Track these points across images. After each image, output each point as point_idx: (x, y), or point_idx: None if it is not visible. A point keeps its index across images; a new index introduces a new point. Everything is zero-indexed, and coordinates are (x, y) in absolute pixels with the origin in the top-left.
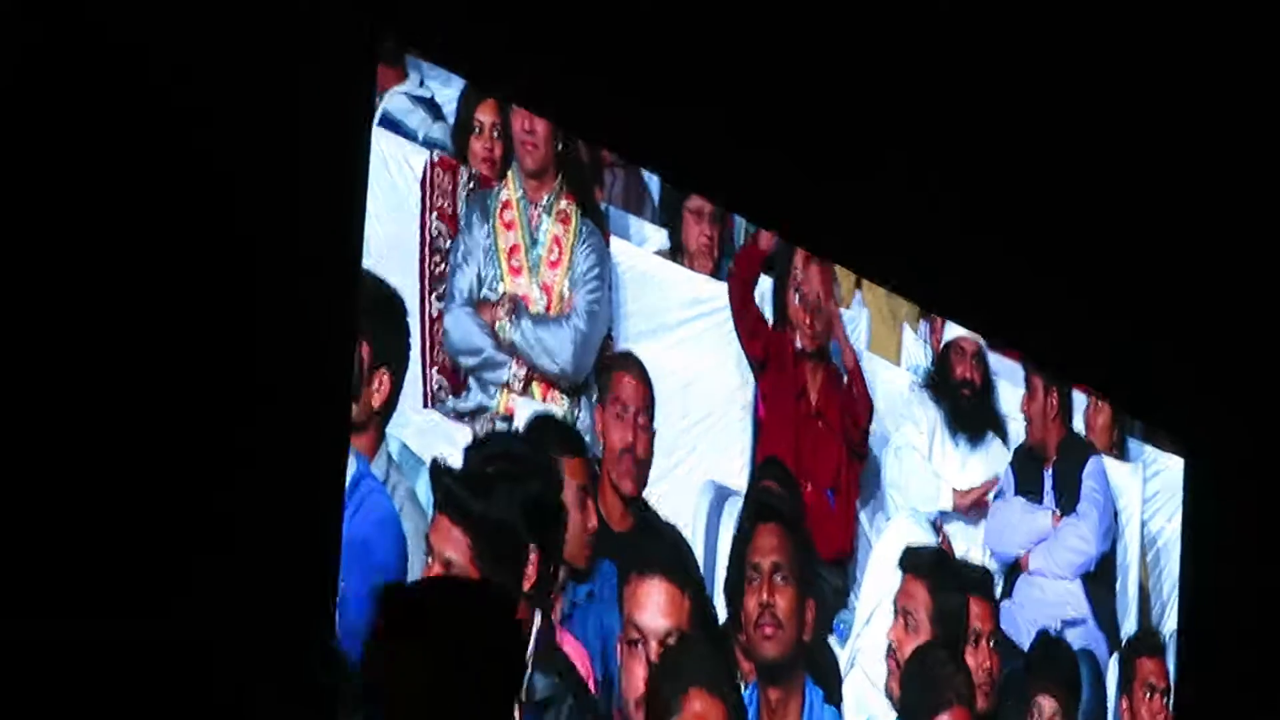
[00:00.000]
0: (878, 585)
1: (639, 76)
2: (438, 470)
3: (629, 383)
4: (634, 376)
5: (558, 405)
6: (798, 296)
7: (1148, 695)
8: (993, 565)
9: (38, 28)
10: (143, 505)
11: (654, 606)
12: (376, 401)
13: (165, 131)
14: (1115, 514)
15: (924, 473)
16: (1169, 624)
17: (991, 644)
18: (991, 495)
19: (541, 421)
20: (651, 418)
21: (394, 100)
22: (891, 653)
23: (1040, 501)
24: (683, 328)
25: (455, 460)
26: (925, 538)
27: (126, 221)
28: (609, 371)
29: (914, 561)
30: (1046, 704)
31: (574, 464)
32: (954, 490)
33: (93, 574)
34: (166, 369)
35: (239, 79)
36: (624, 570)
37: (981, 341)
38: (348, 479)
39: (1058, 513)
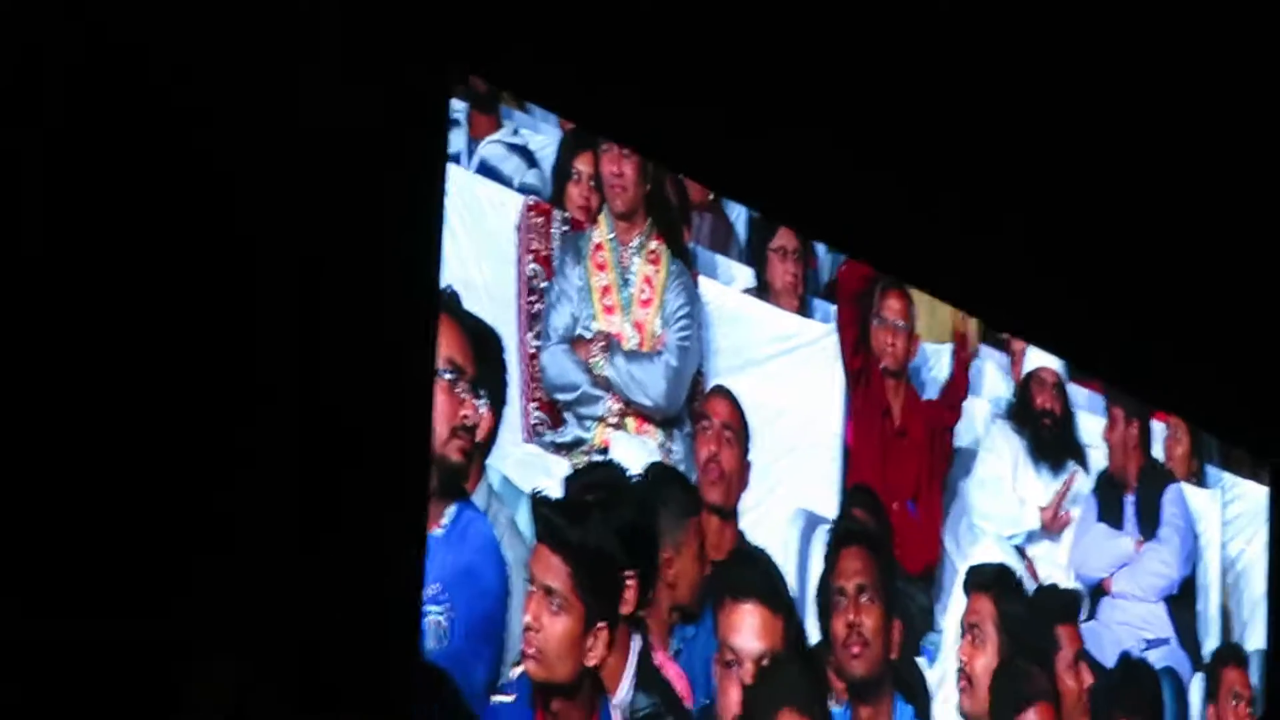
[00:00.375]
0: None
1: (725, 110)
2: (537, 501)
3: (722, 405)
4: (727, 401)
5: (651, 438)
6: (877, 321)
7: (1234, 703)
8: (1078, 587)
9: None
10: (241, 544)
11: (749, 630)
12: (479, 437)
13: (244, 175)
14: (1195, 539)
15: (1009, 498)
16: (1250, 643)
17: (1080, 664)
18: (1070, 503)
19: (660, 472)
20: (742, 438)
21: (489, 148)
22: (962, 671)
23: (1121, 528)
24: (771, 363)
25: (554, 491)
26: (1011, 563)
27: (202, 252)
28: (701, 401)
29: (977, 580)
30: None
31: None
32: (1039, 508)
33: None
34: (261, 414)
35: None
36: (719, 595)
37: (1061, 372)
38: (449, 512)
39: (1140, 539)
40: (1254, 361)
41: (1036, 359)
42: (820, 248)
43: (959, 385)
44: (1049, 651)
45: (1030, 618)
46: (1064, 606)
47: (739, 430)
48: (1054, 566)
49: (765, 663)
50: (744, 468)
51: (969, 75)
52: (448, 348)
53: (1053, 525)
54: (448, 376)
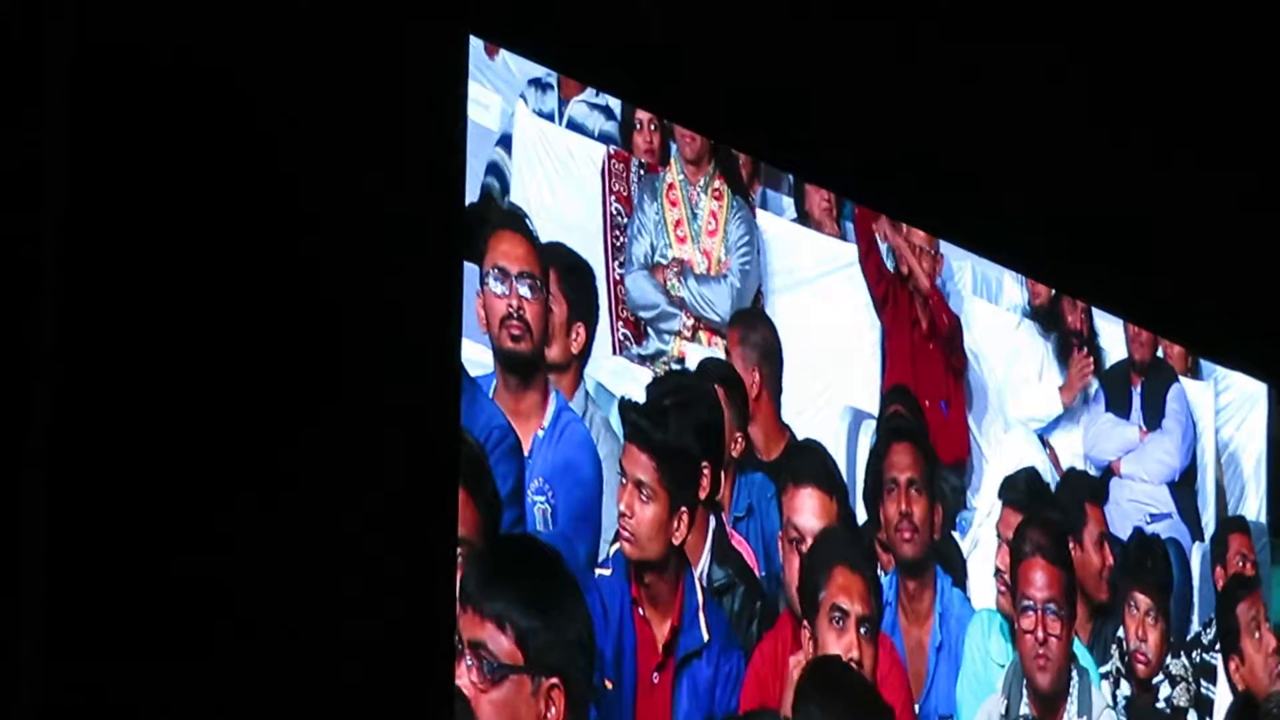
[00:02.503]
0: (992, 492)
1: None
2: (625, 406)
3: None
4: (764, 327)
5: (718, 349)
6: (908, 246)
7: (1241, 563)
8: (1091, 470)
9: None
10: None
11: (808, 510)
12: (575, 349)
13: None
14: (1195, 431)
15: (1035, 391)
16: (1244, 513)
17: (1104, 544)
18: (1090, 388)
19: (708, 362)
20: (774, 364)
21: (575, 107)
22: (999, 574)
23: (1128, 417)
24: (818, 281)
25: (639, 396)
26: (1036, 455)
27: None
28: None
29: (1010, 494)
30: (1142, 600)
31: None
32: (1058, 388)
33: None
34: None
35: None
36: (782, 481)
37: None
38: (550, 413)
39: (1144, 428)
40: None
41: None
42: None
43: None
44: (1078, 528)
45: (1062, 525)
46: (1092, 488)
47: (774, 352)
48: (1073, 455)
49: (822, 535)
50: (774, 382)
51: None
52: (500, 256)
53: (1072, 404)
54: (495, 281)
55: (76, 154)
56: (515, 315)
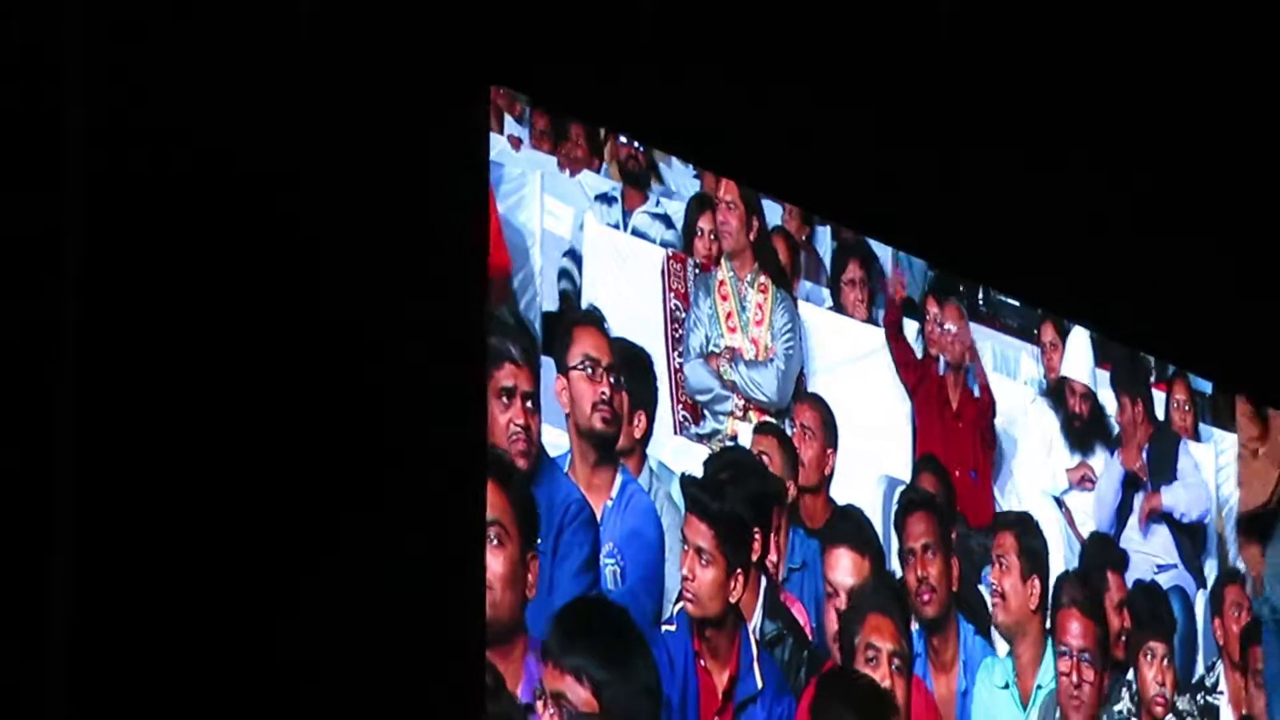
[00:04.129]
0: None
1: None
2: (685, 481)
3: (806, 410)
4: (810, 405)
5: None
6: (938, 330)
7: (1236, 613)
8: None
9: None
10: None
11: (842, 568)
12: (638, 434)
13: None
14: (1206, 491)
15: (1045, 463)
16: (1241, 565)
17: (1124, 609)
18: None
19: (764, 425)
20: (825, 433)
21: (639, 218)
22: (994, 591)
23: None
24: (855, 363)
25: (698, 471)
26: (1053, 514)
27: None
28: (796, 403)
29: (1001, 522)
30: (1159, 648)
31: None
32: (1066, 470)
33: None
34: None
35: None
36: (823, 544)
37: (1090, 382)
38: (617, 486)
39: (1151, 489)
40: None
41: (1067, 352)
42: (888, 270)
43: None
44: (1100, 590)
45: (1044, 550)
46: (1117, 556)
47: (819, 428)
48: (1088, 516)
49: (854, 589)
50: (823, 454)
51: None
52: (585, 347)
53: (1080, 483)
54: (585, 368)
55: (96, 230)
56: (605, 401)
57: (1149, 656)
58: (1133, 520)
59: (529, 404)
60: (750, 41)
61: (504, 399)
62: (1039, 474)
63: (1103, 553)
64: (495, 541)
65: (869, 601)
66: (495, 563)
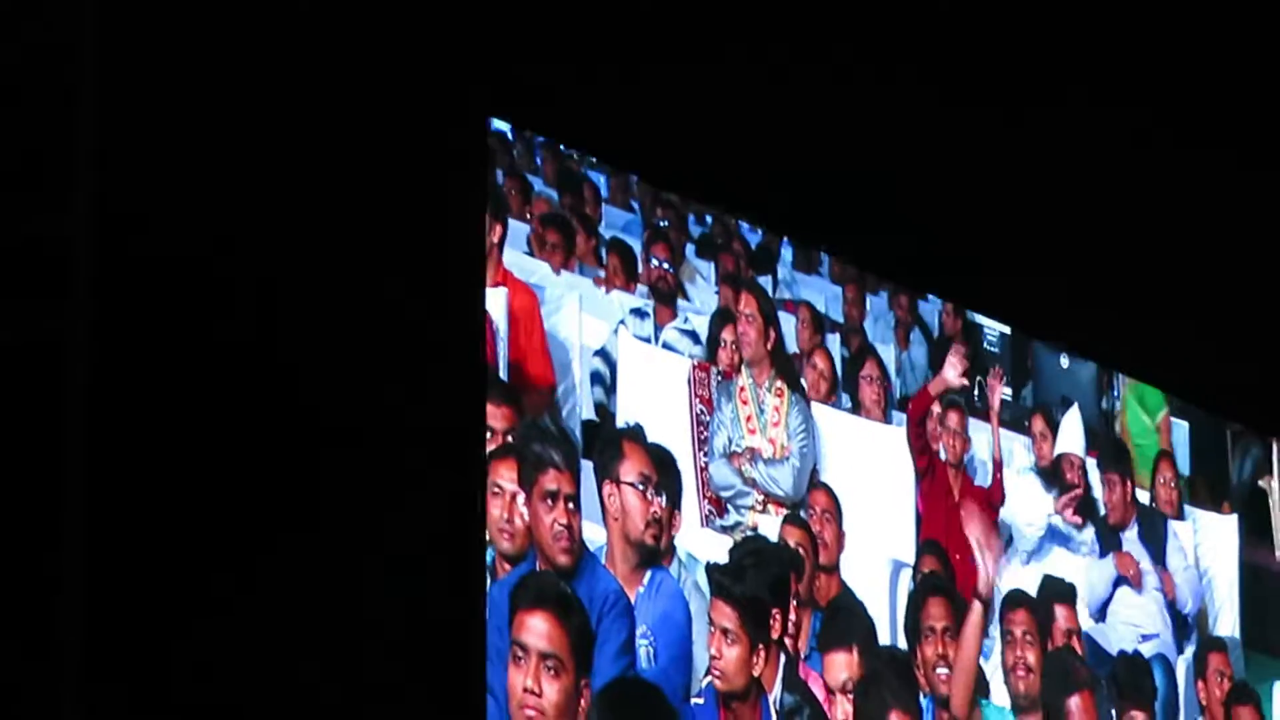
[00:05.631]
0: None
1: None
2: (711, 568)
3: (821, 496)
4: (824, 493)
5: (782, 516)
6: (942, 428)
7: (1220, 679)
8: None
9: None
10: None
11: (836, 668)
12: (675, 533)
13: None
14: (1197, 572)
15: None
16: (1221, 632)
17: (1072, 637)
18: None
19: (791, 516)
20: (837, 517)
21: (669, 333)
22: (1017, 663)
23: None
24: (865, 459)
25: (722, 559)
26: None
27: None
28: (809, 494)
29: (1012, 599)
30: (1140, 716)
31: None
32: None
33: None
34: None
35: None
36: (823, 644)
37: (1082, 455)
38: (647, 576)
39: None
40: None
41: (1063, 429)
42: (893, 376)
43: (996, 488)
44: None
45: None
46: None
47: (834, 512)
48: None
49: (850, 685)
50: (839, 536)
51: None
52: (639, 465)
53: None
54: (640, 486)
55: (100, 342)
56: (655, 520)
57: None
58: (1123, 591)
59: (570, 505)
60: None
61: (548, 501)
62: (1027, 544)
63: (1132, 673)
64: (552, 672)
65: (890, 698)
66: (551, 691)
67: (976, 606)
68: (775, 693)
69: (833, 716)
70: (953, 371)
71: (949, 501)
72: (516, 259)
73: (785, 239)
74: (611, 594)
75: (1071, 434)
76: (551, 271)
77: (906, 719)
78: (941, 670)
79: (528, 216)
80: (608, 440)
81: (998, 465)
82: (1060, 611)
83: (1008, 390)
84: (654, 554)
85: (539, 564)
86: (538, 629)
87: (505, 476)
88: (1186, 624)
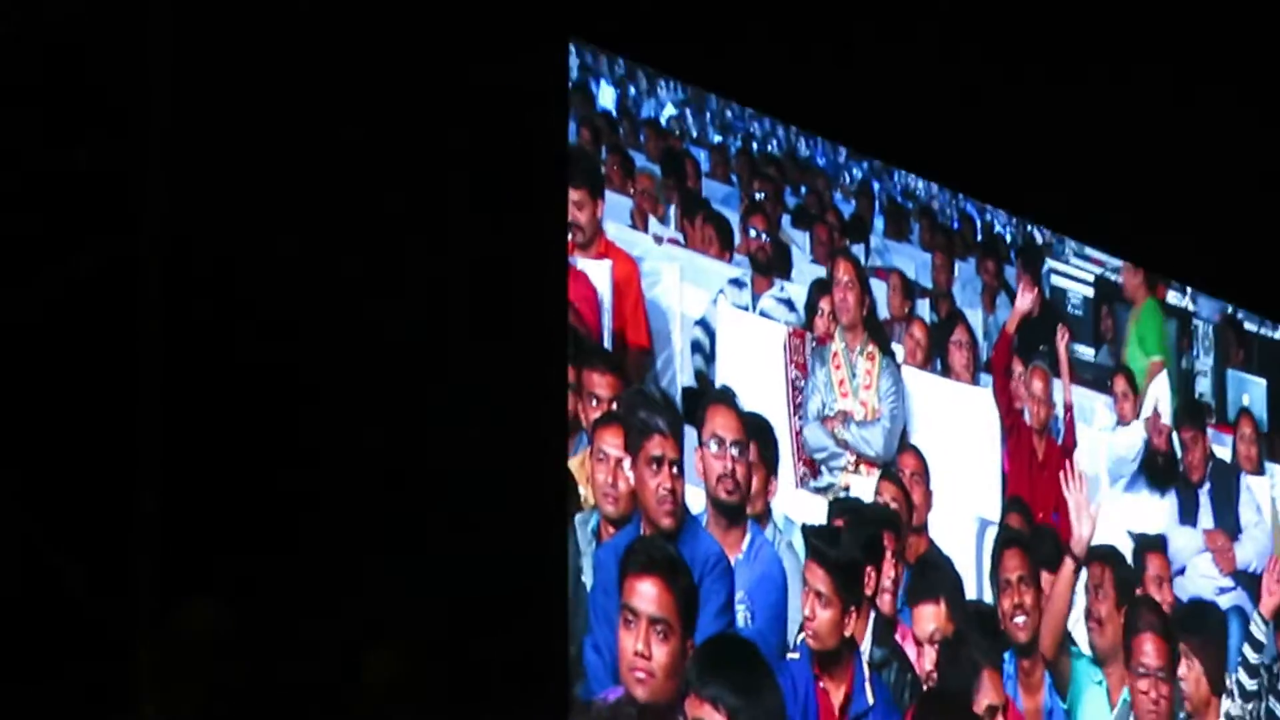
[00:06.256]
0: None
1: None
2: (806, 531)
3: (910, 458)
4: (913, 455)
5: (873, 479)
6: (1026, 392)
7: None
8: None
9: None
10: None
11: (925, 619)
12: (771, 498)
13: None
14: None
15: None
16: None
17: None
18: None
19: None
20: (925, 478)
21: (766, 301)
22: (1091, 616)
23: (1195, 524)
24: (953, 420)
25: (817, 521)
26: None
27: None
28: (900, 454)
29: (1093, 555)
30: (1195, 662)
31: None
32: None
33: None
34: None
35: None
36: (912, 596)
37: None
38: (746, 542)
39: (1216, 529)
40: None
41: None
42: (980, 339)
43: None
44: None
45: (1133, 581)
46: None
47: (923, 474)
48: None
49: (937, 637)
50: (927, 495)
51: None
52: (717, 426)
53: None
54: (713, 447)
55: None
56: (728, 474)
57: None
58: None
59: (674, 470)
60: None
61: (653, 466)
62: (1116, 510)
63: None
64: (661, 635)
65: (980, 659)
66: (660, 654)
67: (1068, 563)
68: (866, 645)
69: (920, 668)
70: (1024, 300)
71: (1034, 460)
72: (619, 231)
73: (878, 207)
74: (713, 556)
75: (1160, 397)
76: (654, 243)
77: (997, 675)
78: (1019, 619)
79: (630, 191)
80: (701, 406)
81: (1068, 408)
82: (1153, 560)
83: (1089, 350)
84: (734, 511)
85: (644, 528)
86: (648, 594)
87: (610, 442)
88: (1255, 580)
